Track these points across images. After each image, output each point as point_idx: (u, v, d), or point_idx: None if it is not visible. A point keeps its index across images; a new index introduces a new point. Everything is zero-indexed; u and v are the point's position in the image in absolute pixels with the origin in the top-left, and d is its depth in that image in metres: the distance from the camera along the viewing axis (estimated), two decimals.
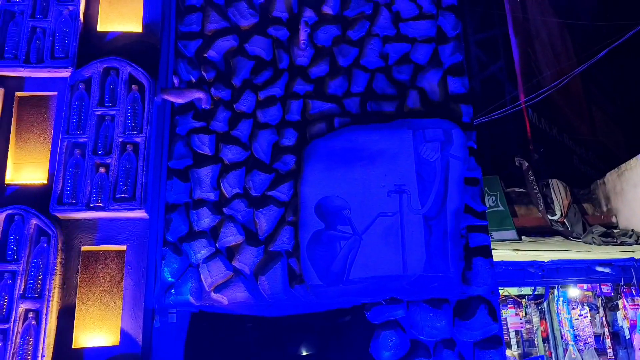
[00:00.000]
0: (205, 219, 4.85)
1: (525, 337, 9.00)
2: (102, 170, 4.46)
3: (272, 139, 5.08)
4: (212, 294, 4.72)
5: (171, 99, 4.82)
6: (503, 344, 4.79)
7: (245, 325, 4.96)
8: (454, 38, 5.53)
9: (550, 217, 9.52)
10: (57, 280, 4.19)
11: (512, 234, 9.12)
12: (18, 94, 4.67)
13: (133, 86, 4.68)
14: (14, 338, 3.99)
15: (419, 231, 4.79)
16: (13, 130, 4.62)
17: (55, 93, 4.70)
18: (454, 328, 4.78)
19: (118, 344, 4.18)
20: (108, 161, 4.49)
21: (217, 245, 4.83)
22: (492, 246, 6.54)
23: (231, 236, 4.83)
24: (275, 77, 5.24)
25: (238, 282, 4.76)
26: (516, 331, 8.94)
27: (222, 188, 4.96)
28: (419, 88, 5.34)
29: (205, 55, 5.24)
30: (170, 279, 4.69)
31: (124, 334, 4.19)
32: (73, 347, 4.14)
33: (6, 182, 4.49)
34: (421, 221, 4.82)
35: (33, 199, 4.40)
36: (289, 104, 5.17)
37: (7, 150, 4.55)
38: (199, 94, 4.85)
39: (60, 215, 4.37)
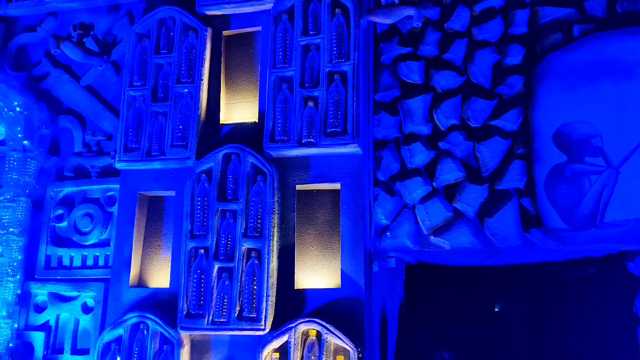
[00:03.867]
0: (419, 155, 4.43)
1: None
2: (310, 103, 4.18)
3: (492, 58, 4.43)
4: (432, 237, 4.32)
5: (378, 20, 4.34)
6: None
7: (469, 274, 4.42)
8: None
9: None
10: (275, 219, 4.05)
11: None
12: (225, 32, 4.60)
13: (337, 10, 4.29)
14: (240, 277, 3.96)
15: None
16: (223, 70, 4.60)
17: (260, 28, 4.54)
18: None
19: (339, 286, 3.92)
20: (316, 94, 4.19)
21: (433, 184, 4.40)
22: None
23: (449, 173, 4.36)
24: None
25: (461, 225, 4.27)
26: None
27: (436, 120, 4.46)
28: None
29: None
30: (384, 221, 4.40)
31: (344, 277, 3.92)
32: (295, 288, 3.99)
33: (221, 122, 4.48)
34: None
35: (246, 138, 4.34)
36: (512, 15, 4.44)
37: (219, 91, 4.51)
38: (409, 11, 4.29)
39: (273, 153, 4.21)
